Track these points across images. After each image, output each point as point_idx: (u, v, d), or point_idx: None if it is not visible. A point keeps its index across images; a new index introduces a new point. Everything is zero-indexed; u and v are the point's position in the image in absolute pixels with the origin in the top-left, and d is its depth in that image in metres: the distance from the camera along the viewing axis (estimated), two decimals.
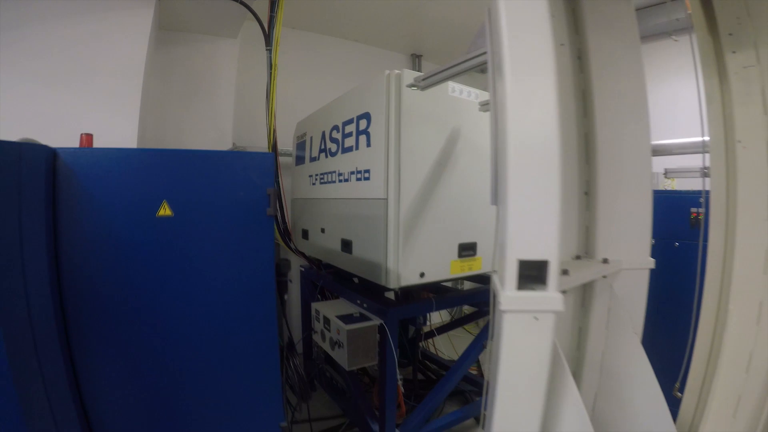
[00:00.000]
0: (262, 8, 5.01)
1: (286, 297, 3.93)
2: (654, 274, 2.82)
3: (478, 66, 2.92)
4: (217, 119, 6.14)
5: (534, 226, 1.68)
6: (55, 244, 2.22)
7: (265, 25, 5.15)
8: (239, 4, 5.12)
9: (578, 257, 2.64)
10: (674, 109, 5.87)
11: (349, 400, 4.93)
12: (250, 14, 5.18)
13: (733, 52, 2.68)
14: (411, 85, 3.46)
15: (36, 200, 2.14)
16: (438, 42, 8.20)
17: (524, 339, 1.74)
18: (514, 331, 1.73)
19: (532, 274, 1.66)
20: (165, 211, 2.33)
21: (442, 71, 3.28)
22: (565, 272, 2.12)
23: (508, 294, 1.68)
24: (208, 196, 2.49)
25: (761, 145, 2.59)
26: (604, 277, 2.60)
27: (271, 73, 5.12)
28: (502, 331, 1.74)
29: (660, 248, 4.65)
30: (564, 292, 2.13)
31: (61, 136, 2.95)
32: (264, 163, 2.63)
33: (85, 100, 4.40)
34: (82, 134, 2.67)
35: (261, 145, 5.90)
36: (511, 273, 1.68)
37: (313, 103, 5.95)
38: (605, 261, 2.57)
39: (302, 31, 7.38)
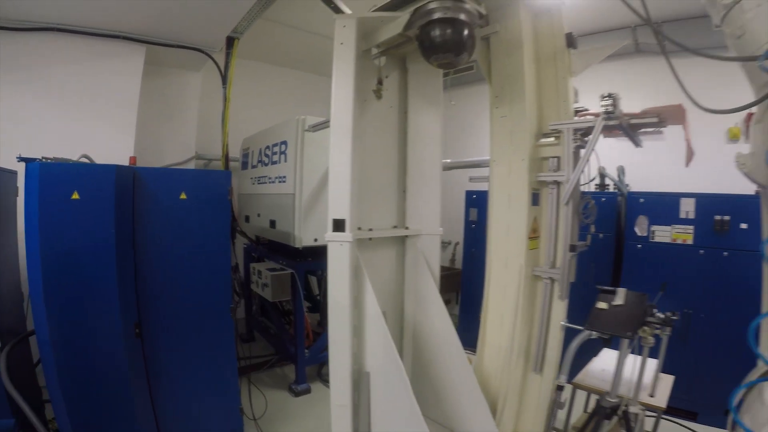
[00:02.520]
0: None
1: (234, 240, 5.15)
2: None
3: None
4: (183, 135, 6.79)
5: (339, 203, 2.96)
6: (133, 218, 3.46)
7: (222, 68, 6.15)
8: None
9: (395, 227, 3.79)
10: None
11: (278, 339, 6.00)
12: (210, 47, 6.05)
13: (497, 107, 3.78)
14: (306, 130, 4.67)
15: (129, 197, 3.45)
16: None
17: (336, 255, 2.98)
18: (332, 252, 2.98)
19: (340, 226, 2.93)
20: (183, 196, 3.60)
21: (320, 124, 4.53)
22: (370, 230, 3.36)
23: (329, 234, 2.95)
24: (201, 190, 3.76)
25: (505, 163, 3.71)
26: (407, 236, 3.80)
27: (225, 104, 6.10)
28: (328, 252, 3.00)
29: None
30: (370, 239, 3.40)
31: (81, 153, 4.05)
32: (226, 176, 3.97)
33: (95, 124, 5.13)
34: (130, 156, 3.95)
35: (216, 153, 6.70)
36: (330, 224, 2.96)
37: (258, 119, 6.98)
38: (407, 228, 3.76)
39: (252, 61, 7.96)
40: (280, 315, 6.32)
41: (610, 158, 5.42)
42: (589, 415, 3.14)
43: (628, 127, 3.38)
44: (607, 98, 3.07)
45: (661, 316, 2.78)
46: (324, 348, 5.35)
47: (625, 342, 2.80)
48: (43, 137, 4.72)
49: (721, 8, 2.13)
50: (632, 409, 3.18)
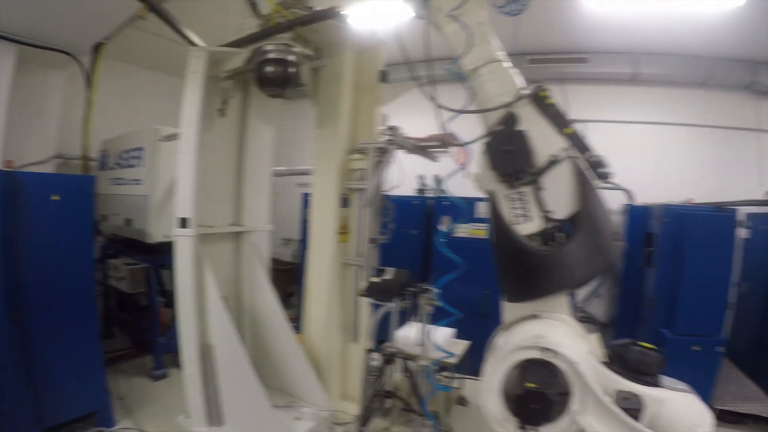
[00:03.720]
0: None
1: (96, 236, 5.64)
2: None
3: None
4: (45, 134, 6.76)
5: (184, 204, 3.67)
6: (14, 217, 3.92)
7: (88, 71, 6.45)
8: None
9: (232, 224, 4.56)
10: None
11: (136, 330, 6.51)
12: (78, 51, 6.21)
13: (319, 128, 4.75)
14: (160, 140, 5.28)
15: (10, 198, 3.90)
16: None
17: (182, 248, 3.71)
18: (178, 245, 3.71)
19: (184, 223, 3.65)
20: (55, 197, 4.03)
21: (172, 136, 5.11)
22: (211, 227, 4.13)
23: (176, 230, 3.67)
24: (71, 192, 4.23)
25: (322, 174, 4.68)
26: (242, 232, 4.61)
27: (88, 107, 6.44)
28: (176, 245, 3.73)
29: None
30: (210, 234, 4.21)
31: None
32: (91, 180, 4.55)
33: None
34: (6, 160, 4.39)
35: (76, 152, 6.92)
36: (176, 222, 3.67)
37: (120, 117, 7.37)
38: (241, 225, 4.55)
39: (118, 62, 7.70)
40: (137, 309, 6.74)
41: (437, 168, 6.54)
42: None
43: (417, 149, 4.53)
44: (389, 130, 4.17)
45: (422, 287, 3.88)
46: (174, 336, 5.93)
47: (394, 305, 3.88)
48: None
49: (467, 72, 3.00)
50: (422, 362, 4.24)
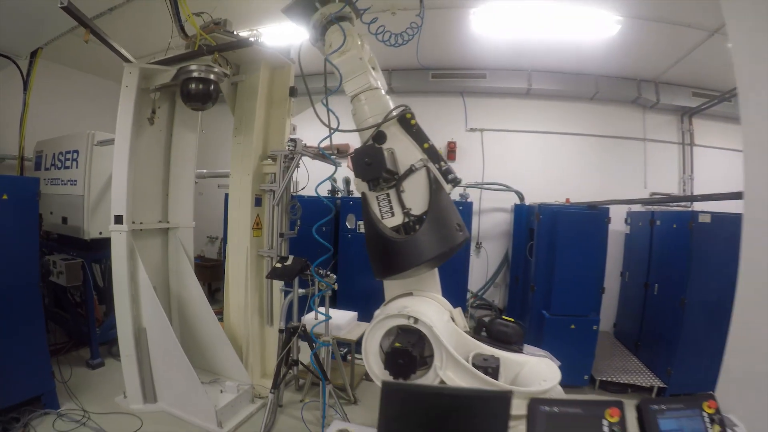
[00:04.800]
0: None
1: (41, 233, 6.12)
2: None
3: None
4: None
5: (119, 203, 4.40)
6: None
7: (24, 74, 6.88)
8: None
9: (160, 221, 5.27)
10: None
11: (72, 323, 6.97)
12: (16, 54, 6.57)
13: (235, 136, 5.39)
14: (95, 144, 5.87)
15: None
16: None
17: (117, 241, 4.41)
18: (114, 239, 4.44)
19: (119, 220, 4.36)
20: (5, 197, 4.30)
21: (107, 141, 5.77)
22: (141, 223, 4.81)
23: (112, 225, 4.38)
24: (17, 192, 4.57)
25: (238, 177, 5.35)
26: (169, 228, 5.35)
27: (24, 109, 6.91)
28: (111, 240, 4.43)
29: None
30: (141, 230, 4.88)
31: None
32: (35, 182, 4.85)
33: None
34: None
35: (9, 152, 7.40)
36: (112, 218, 4.38)
37: (56, 117, 7.79)
38: (168, 222, 5.30)
39: (54, 63, 7.95)
40: (72, 304, 7.15)
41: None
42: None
43: (318, 156, 5.39)
44: (290, 141, 5.01)
45: (321, 272, 4.68)
46: (112, 326, 6.18)
47: (295, 287, 4.68)
48: None
49: (349, 96, 3.61)
50: (324, 338, 4.95)
